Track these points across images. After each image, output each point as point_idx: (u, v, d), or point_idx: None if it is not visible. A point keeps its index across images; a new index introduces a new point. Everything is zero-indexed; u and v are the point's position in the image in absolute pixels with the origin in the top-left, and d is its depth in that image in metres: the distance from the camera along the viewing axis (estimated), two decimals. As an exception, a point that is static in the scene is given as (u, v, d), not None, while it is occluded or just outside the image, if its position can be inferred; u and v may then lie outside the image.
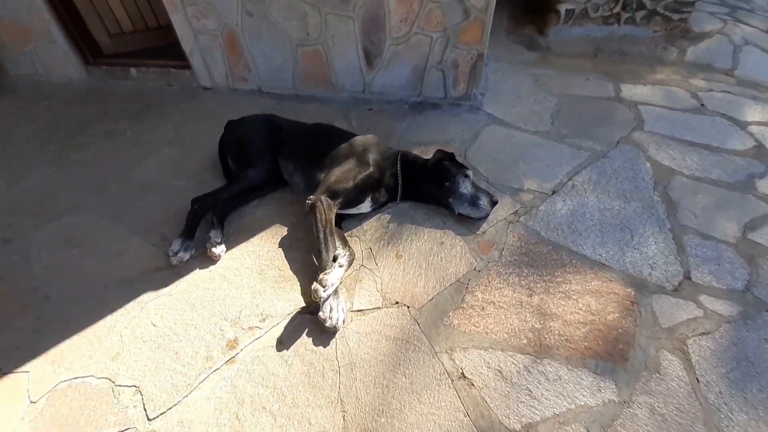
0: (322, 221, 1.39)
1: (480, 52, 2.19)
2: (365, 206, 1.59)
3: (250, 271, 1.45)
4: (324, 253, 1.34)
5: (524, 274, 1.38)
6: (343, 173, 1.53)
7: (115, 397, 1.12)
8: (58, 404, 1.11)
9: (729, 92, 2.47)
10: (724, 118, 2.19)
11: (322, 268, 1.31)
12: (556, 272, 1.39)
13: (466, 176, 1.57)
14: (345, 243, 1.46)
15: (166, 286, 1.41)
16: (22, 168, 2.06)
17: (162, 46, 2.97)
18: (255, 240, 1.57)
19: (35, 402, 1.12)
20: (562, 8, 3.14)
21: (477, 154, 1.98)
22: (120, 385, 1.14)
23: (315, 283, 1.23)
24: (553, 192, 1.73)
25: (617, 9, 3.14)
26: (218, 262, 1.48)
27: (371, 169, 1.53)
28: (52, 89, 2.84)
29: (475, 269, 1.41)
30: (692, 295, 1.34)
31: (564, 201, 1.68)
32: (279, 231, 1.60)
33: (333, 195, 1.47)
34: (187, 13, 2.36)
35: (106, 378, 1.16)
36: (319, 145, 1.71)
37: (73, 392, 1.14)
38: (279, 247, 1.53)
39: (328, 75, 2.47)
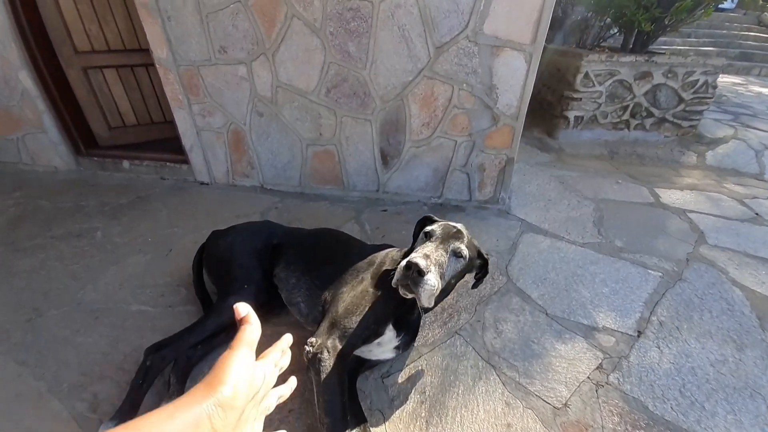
0: (330, 387, 0.93)
1: (509, 157, 2.00)
2: (388, 349, 1.13)
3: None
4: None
5: (652, 494, 0.87)
6: (355, 297, 1.11)
7: None
8: None
9: (777, 200, 2.27)
10: (792, 231, 1.93)
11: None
12: (699, 488, 0.89)
13: (426, 233, 1.06)
14: (364, 430, 0.96)
15: None
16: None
17: (161, 140, 2.83)
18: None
19: None
20: (571, 115, 3.18)
21: (522, 271, 1.61)
22: None
23: None
24: (639, 333, 1.31)
25: (626, 116, 3.18)
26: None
27: (392, 291, 1.12)
28: (32, 179, 2.57)
29: (571, 481, 0.90)
30: None
31: (659, 348, 1.25)
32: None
33: (343, 334, 1.02)
34: (192, 110, 2.22)
35: None
36: (327, 254, 1.33)
37: None
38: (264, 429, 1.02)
39: (339, 174, 2.25)
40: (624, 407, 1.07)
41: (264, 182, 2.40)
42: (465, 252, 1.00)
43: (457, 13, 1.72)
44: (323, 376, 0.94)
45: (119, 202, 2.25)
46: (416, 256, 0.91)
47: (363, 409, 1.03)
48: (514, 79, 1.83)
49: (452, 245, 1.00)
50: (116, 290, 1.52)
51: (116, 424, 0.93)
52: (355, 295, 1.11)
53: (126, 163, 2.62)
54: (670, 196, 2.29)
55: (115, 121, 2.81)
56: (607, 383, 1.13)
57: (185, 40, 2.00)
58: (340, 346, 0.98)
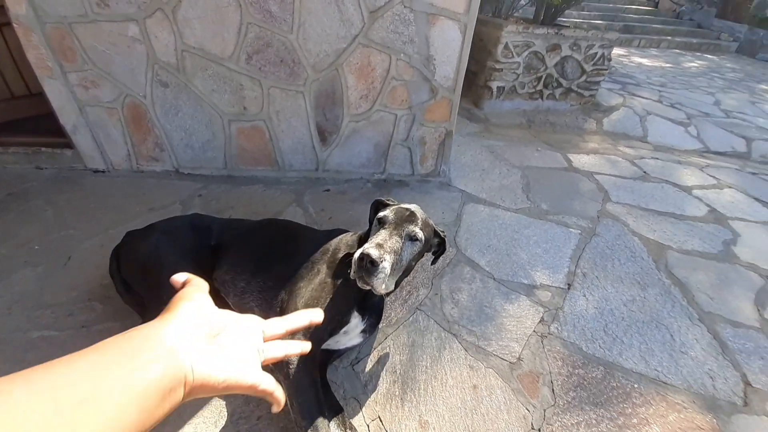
0: (301, 387, 0.88)
1: (449, 130, 2.03)
2: (355, 335, 1.11)
3: None
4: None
5: (594, 422, 1.03)
6: (314, 290, 1.05)
7: None
8: None
9: (657, 158, 2.73)
10: (669, 184, 2.35)
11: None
12: (625, 409, 1.07)
13: (380, 220, 1.03)
14: (342, 420, 0.94)
15: None
16: None
17: (29, 119, 2.23)
18: (184, 435, 0.94)
19: None
20: (494, 85, 3.34)
21: (468, 241, 1.69)
22: None
23: None
24: (569, 285, 1.49)
25: (540, 86, 3.46)
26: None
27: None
28: None
29: (532, 427, 1.01)
30: (762, 406, 1.13)
31: (585, 297, 1.44)
32: (225, 408, 1.00)
33: (307, 331, 0.96)
34: (68, 80, 1.76)
35: None
36: (276, 248, 1.21)
37: None
38: (231, 443, 0.93)
39: (272, 153, 2.04)
40: (564, 352, 1.22)
41: (179, 166, 2.07)
42: (420, 235, 1.00)
43: (391, -26, 1.61)
44: (293, 378, 0.88)
45: (-21, 203, 1.74)
46: (369, 247, 0.88)
47: (337, 399, 1.00)
48: (451, 50, 1.82)
49: (406, 229, 0.99)
50: (5, 317, 1.20)
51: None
52: (313, 288, 1.04)
53: (-20, 151, 2.02)
54: (580, 160, 2.60)
55: (-47, 95, 2.11)
56: (549, 333, 1.28)
57: (48, -12, 1.53)
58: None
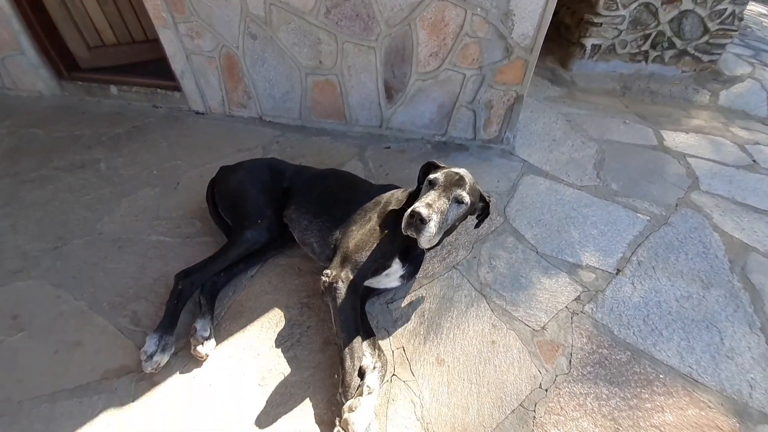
0: (344, 310, 1.07)
1: (519, 94, 1.93)
2: (394, 279, 1.27)
3: (246, 380, 1.10)
4: (348, 361, 1.01)
5: (604, 397, 1.08)
6: (364, 234, 1.21)
7: None
8: None
9: (779, 146, 2.27)
10: (784, 179, 1.98)
11: (345, 388, 0.98)
12: (642, 393, 1.09)
13: (430, 182, 1.13)
14: (374, 343, 1.13)
15: (133, 400, 1.05)
16: (-37, 208, 1.67)
17: (148, 62, 2.63)
18: (254, 329, 1.23)
19: None
20: (588, 42, 2.95)
21: (519, 213, 1.69)
22: None
23: (337, 426, 0.90)
24: (618, 270, 1.45)
25: (646, 47, 2.97)
26: (204, 364, 1.13)
27: (398, 229, 1.21)
28: (18, 105, 2.45)
29: (540, 386, 1.10)
30: (808, 426, 1.06)
31: (633, 284, 1.40)
32: (284, 316, 1.26)
33: (355, 266, 1.14)
34: (178, 30, 2.03)
35: None
36: (336, 195, 1.39)
37: None
38: (285, 341, 1.19)
39: (342, 107, 2.17)
40: (593, 331, 1.24)
41: (263, 113, 2.32)
42: (466, 198, 1.07)
43: None
44: (339, 301, 1.07)
45: (115, 132, 2.20)
46: (419, 206, 0.99)
47: (371, 327, 1.19)
48: (533, 5, 1.68)
49: (454, 193, 1.07)
50: (133, 222, 1.60)
51: (161, 336, 1.09)
52: (364, 232, 1.20)
53: (114, 89, 2.49)
54: (674, 139, 2.28)
55: (93, 40, 2.57)
56: (582, 312, 1.30)
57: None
58: (352, 277, 1.10)
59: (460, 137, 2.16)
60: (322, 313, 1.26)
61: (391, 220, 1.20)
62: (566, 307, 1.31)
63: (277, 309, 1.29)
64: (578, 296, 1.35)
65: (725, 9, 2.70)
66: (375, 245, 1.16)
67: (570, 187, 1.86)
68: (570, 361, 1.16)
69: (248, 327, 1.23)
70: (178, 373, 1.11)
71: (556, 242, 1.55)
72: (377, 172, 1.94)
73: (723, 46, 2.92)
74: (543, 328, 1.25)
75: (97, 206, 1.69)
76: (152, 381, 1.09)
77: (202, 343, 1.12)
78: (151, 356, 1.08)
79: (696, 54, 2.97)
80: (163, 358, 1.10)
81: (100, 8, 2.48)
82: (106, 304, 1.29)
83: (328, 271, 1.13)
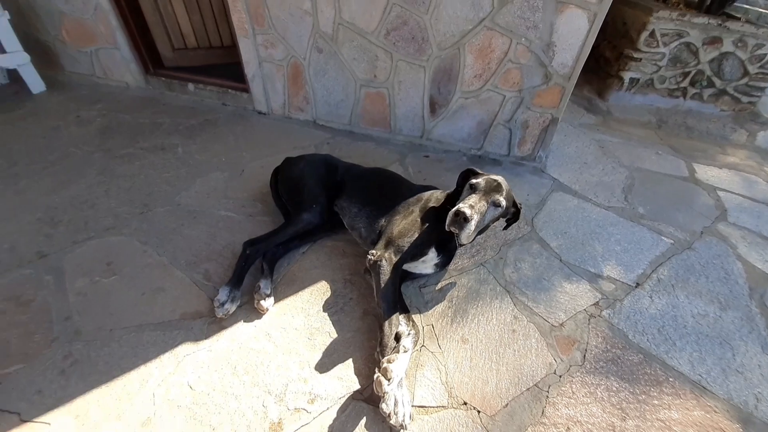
0: (387, 285, 1.25)
1: (555, 117, 2.09)
2: (429, 266, 1.44)
3: (298, 334, 1.29)
4: (386, 327, 1.18)
5: (614, 389, 1.19)
6: (407, 224, 1.39)
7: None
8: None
9: (815, 189, 2.29)
10: (816, 220, 2.01)
11: (383, 348, 1.14)
12: (651, 391, 1.19)
13: (471, 186, 1.29)
14: (408, 316, 1.29)
15: (206, 338, 1.26)
16: (68, 173, 1.99)
17: (222, 65, 2.99)
18: (304, 295, 1.42)
19: (43, 472, 0.96)
20: (627, 76, 3.08)
21: (546, 224, 1.83)
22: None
23: (378, 373, 1.06)
24: (637, 284, 1.55)
25: (685, 83, 3.06)
26: (264, 317, 1.33)
27: (436, 223, 1.40)
28: (107, 93, 2.86)
29: (555, 372, 1.22)
30: (816, 444, 1.11)
31: (651, 298, 1.49)
32: (330, 287, 1.46)
33: (397, 250, 1.33)
34: (256, 41, 2.35)
35: (127, 452, 1.00)
36: (382, 190, 1.59)
37: (87, 465, 0.97)
38: (330, 307, 1.38)
39: (388, 117, 2.41)
40: (608, 333, 1.35)
41: (317, 117, 2.59)
42: (503, 203, 1.25)
43: (530, -38, 1.71)
44: (382, 276, 1.26)
45: (190, 123, 2.53)
46: (464, 206, 1.17)
47: (406, 304, 1.36)
48: (574, 39, 1.85)
49: (493, 197, 1.24)
50: (205, 198, 1.86)
51: (231, 289, 1.30)
52: (406, 222, 1.39)
53: (191, 86, 2.85)
54: (706, 173, 2.35)
55: (178, 43, 2.97)
56: (599, 316, 1.41)
57: (256, -32, 2.07)
58: (394, 258, 1.28)
59: (494, 152, 2.33)
60: (363, 289, 1.44)
61: (431, 214, 1.39)
62: (585, 310, 1.43)
63: (324, 281, 1.48)
64: (597, 302, 1.46)
65: (765, 54, 2.76)
66: (416, 234, 1.34)
67: (597, 206, 1.97)
68: (584, 355, 1.27)
69: (299, 293, 1.43)
70: (242, 321, 1.32)
71: (580, 253, 1.67)
72: (416, 176, 2.13)
73: (762, 89, 2.96)
74: (561, 324, 1.37)
75: (176, 182, 1.97)
76: (221, 325, 1.30)
77: (264, 299, 1.33)
78: (222, 304, 1.30)
79: (735, 94, 3.02)
80: (231, 307, 1.32)
81: (188, 17, 2.88)
82: (183, 261, 1.53)
83: (373, 252, 1.32)
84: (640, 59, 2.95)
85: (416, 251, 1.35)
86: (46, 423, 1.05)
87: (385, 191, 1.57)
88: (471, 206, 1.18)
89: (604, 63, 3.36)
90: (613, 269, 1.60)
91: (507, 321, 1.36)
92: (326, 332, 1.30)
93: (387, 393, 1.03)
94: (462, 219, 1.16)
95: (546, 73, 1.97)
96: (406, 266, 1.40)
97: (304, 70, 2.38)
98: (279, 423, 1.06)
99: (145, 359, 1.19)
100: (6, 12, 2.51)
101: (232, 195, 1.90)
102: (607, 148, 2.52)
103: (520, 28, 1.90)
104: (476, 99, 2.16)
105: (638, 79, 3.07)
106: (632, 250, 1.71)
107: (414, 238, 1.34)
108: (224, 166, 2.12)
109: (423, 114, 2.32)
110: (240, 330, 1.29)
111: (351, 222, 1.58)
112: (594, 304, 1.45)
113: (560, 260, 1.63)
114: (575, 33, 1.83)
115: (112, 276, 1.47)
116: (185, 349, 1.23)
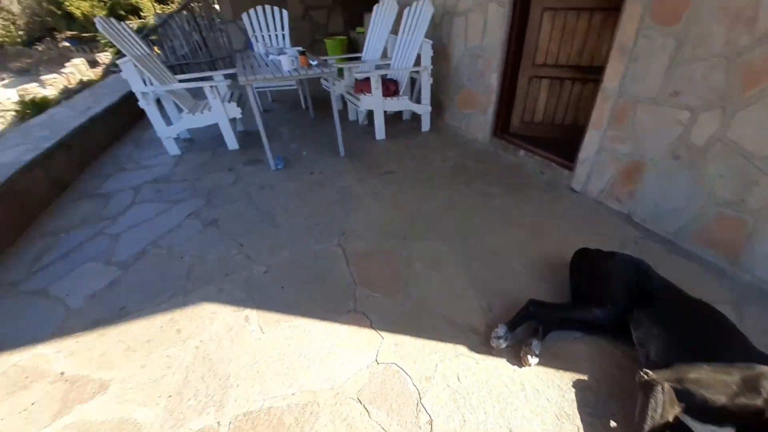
0: (653, 415, 1.17)
1: None
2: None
3: (548, 405, 1.44)
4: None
5: None
6: (715, 379, 1.20)
7: (416, 412, 1.45)
8: (380, 379, 1.57)
9: None
10: None
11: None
12: None
13: None
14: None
15: (477, 352, 1.66)
16: (429, 191, 3.00)
17: (553, 139, 3.42)
18: (565, 376, 1.54)
19: (378, 364, 1.64)
20: None
21: None
22: (423, 406, 1.46)
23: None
24: None
25: None
26: (524, 369, 1.58)
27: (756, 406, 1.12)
28: (463, 142, 3.94)
29: None
30: None
31: None
32: (593, 388, 1.49)
33: (683, 392, 1.19)
34: (606, 134, 2.55)
35: (415, 388, 1.53)
36: (705, 330, 1.41)
37: (393, 380, 1.57)
38: (585, 406, 1.43)
39: (738, 248, 1.99)
40: None
41: (633, 213, 2.50)
42: None
43: None
44: (651, 401, 1.20)
45: (511, 181, 3.10)
46: None
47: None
48: None
49: None
50: (506, 247, 2.31)
51: (507, 330, 1.62)
52: (713, 378, 1.21)
53: (522, 152, 3.45)
54: None
55: (528, 117, 3.65)
56: None
57: (640, 79, 2.24)
58: (675, 398, 1.17)
59: None
60: (629, 412, 1.39)
61: (755, 387, 1.14)
62: None
63: (588, 377, 1.53)
64: None
65: None
66: (722, 398, 1.16)
67: None
68: None
69: (560, 371, 1.57)
70: (506, 360, 1.62)
71: None
72: (755, 336, 1.67)
73: None
74: None
75: (488, 225, 2.54)
76: (489, 350, 1.66)
77: (532, 356, 1.57)
78: (498, 337, 1.65)
79: None
80: (503, 344, 1.64)
81: (547, 100, 3.48)
82: (478, 285, 2.01)
83: (649, 371, 1.26)
84: None
85: (709, 412, 1.16)
86: (381, 335, 1.76)
87: (708, 334, 1.40)
88: None
89: None
90: None
91: None
92: (575, 425, 1.38)
93: None
94: None
95: None
96: (686, 419, 1.22)
97: (645, 169, 2.36)
98: (510, 458, 1.28)
99: (442, 339, 1.73)
100: (431, 78, 3.98)
101: (527, 254, 2.24)
102: None
103: None
104: None
105: None
106: None
107: (715, 398, 1.16)
108: (528, 227, 2.50)
109: (804, 265, 1.76)
110: (503, 365, 1.60)
111: (642, 339, 1.52)
112: None
113: None
114: None
115: (434, 269, 2.17)
116: (463, 349, 1.67)
